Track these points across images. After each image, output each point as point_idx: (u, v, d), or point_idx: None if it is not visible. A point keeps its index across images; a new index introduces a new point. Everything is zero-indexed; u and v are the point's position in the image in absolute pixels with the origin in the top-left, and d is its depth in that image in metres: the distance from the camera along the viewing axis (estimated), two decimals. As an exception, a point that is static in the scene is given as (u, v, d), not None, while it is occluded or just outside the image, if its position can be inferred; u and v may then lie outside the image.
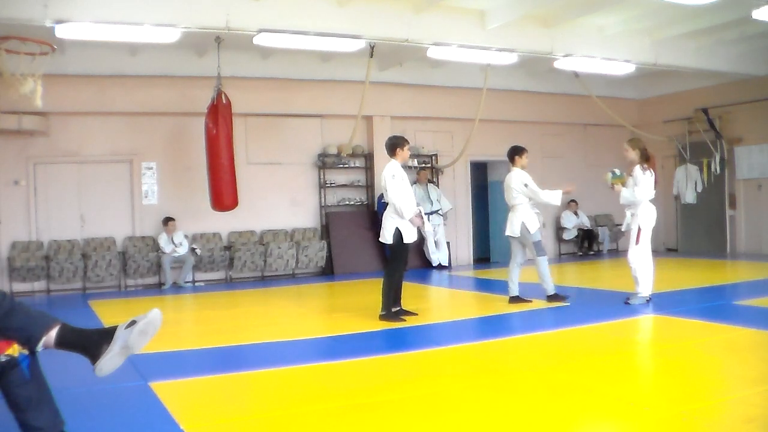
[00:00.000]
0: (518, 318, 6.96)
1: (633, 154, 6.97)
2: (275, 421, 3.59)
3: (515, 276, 7.48)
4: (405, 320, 6.52)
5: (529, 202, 7.39)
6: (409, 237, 6.61)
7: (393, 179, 6.53)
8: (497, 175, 13.92)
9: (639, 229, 6.92)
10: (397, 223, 6.55)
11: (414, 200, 6.76)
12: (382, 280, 6.70)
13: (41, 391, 2.75)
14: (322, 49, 9.97)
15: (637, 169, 6.90)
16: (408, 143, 6.84)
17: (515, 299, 7.43)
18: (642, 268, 6.95)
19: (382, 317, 6.54)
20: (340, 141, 11.63)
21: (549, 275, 7.36)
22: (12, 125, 9.49)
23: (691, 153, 13.31)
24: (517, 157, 7.54)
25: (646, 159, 6.93)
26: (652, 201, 7.04)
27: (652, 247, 7.16)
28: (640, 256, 6.93)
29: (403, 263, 6.72)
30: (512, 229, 7.37)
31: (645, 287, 6.98)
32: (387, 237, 6.61)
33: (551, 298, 7.34)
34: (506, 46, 9.81)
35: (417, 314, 6.76)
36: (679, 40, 10.94)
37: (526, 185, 7.32)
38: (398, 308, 6.71)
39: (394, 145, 6.71)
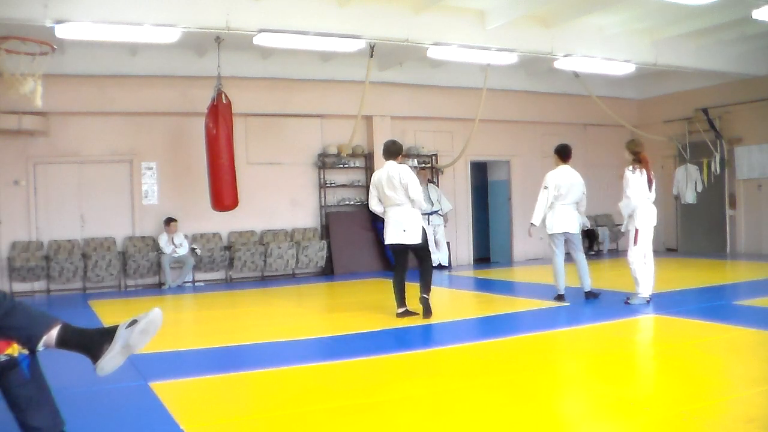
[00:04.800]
0: (518, 318, 6.97)
1: (627, 156, 7.03)
2: (275, 421, 3.59)
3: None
4: (419, 313, 6.71)
5: None
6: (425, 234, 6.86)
7: (412, 174, 6.70)
8: (497, 175, 13.95)
9: (636, 230, 6.95)
10: (421, 222, 6.78)
11: None
12: (423, 270, 6.76)
13: (41, 391, 2.75)
14: (322, 49, 9.97)
15: (626, 171, 6.95)
16: None
17: (590, 294, 7.46)
18: (641, 269, 6.95)
19: (401, 314, 6.69)
20: (340, 141, 11.63)
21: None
22: (12, 125, 9.49)
23: (691, 153, 13.31)
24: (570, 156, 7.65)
25: (637, 161, 6.95)
26: (653, 202, 7.07)
27: (652, 247, 7.16)
28: (639, 256, 6.94)
29: (431, 257, 7.02)
30: (575, 225, 7.45)
31: (645, 287, 6.98)
32: (415, 237, 6.67)
33: (589, 294, 7.43)
34: (506, 46, 9.82)
35: (417, 314, 6.76)
36: (679, 40, 10.94)
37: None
38: (404, 309, 6.76)
39: (400, 150, 6.97)
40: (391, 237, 6.75)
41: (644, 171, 6.92)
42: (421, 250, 6.82)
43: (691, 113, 13.26)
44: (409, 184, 6.61)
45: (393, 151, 6.87)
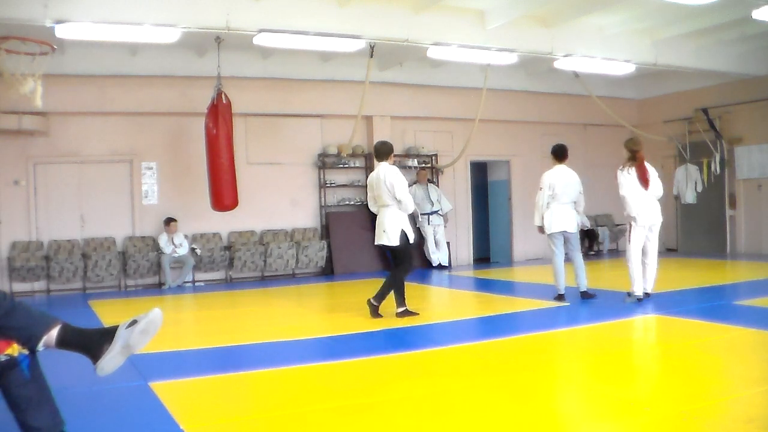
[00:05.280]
0: (518, 318, 6.97)
1: (624, 153, 7.09)
2: (275, 421, 3.59)
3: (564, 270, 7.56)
4: (418, 313, 6.72)
5: None
6: (412, 236, 6.80)
7: (398, 176, 6.70)
8: (497, 175, 13.95)
9: (630, 227, 7.05)
10: (401, 224, 6.69)
11: None
12: (387, 280, 6.78)
13: (41, 391, 2.75)
14: (322, 49, 9.97)
15: (618, 171, 7.04)
16: None
17: (586, 294, 7.44)
18: (635, 267, 7.01)
19: (400, 314, 6.67)
20: (340, 141, 11.63)
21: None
22: (12, 125, 9.49)
23: (691, 153, 13.31)
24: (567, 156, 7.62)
25: (633, 159, 6.99)
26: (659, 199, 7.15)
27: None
28: (635, 253, 7.02)
29: (412, 262, 6.90)
30: (572, 224, 7.42)
31: (638, 286, 7.05)
32: (393, 239, 6.68)
33: (585, 294, 7.42)
34: (506, 46, 9.82)
35: (418, 314, 6.77)
36: (679, 40, 10.94)
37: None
38: (404, 308, 6.77)
39: (390, 150, 6.93)
40: (376, 238, 6.89)
41: (633, 169, 6.95)
42: (399, 254, 6.82)
43: (691, 113, 13.26)
44: (395, 185, 6.65)
45: (383, 151, 6.92)
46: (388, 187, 6.67)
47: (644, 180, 6.97)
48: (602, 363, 4.81)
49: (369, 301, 6.77)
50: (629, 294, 7.09)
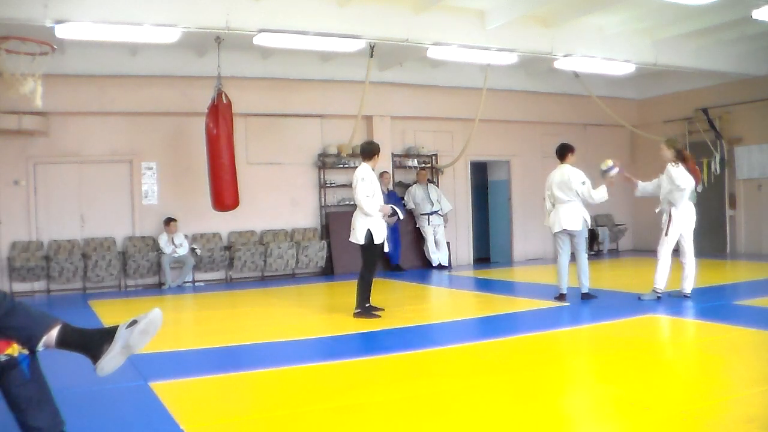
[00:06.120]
0: (519, 318, 6.98)
1: (668, 153, 7.09)
2: (275, 421, 3.59)
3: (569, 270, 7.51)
4: (380, 316, 6.72)
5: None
6: (379, 237, 6.79)
7: (363, 182, 6.75)
8: (497, 175, 13.95)
9: (670, 219, 7.03)
10: (368, 224, 6.74)
11: (380, 201, 6.93)
12: (357, 280, 6.87)
13: (41, 391, 2.75)
14: (322, 49, 9.97)
15: (670, 167, 7.03)
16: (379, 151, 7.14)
17: (586, 296, 7.44)
18: (664, 261, 7.09)
19: (357, 315, 6.74)
20: (340, 141, 11.64)
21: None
22: (12, 125, 9.49)
23: (691, 153, 13.22)
24: (569, 155, 7.60)
25: (682, 159, 7.05)
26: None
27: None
28: (668, 248, 7.09)
29: (375, 263, 6.91)
30: (574, 223, 7.36)
31: (659, 281, 7.11)
32: (358, 238, 6.79)
33: (585, 296, 7.41)
34: (506, 46, 9.82)
35: (380, 317, 6.76)
36: (679, 40, 10.94)
37: (583, 183, 7.39)
38: (361, 309, 6.87)
39: (373, 151, 6.97)
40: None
41: (690, 167, 7.04)
42: (364, 253, 6.87)
43: (691, 113, 13.27)
44: (355, 188, 6.76)
45: (365, 152, 7.00)
46: (354, 188, 6.80)
47: (699, 178, 7.06)
48: (602, 363, 4.81)
49: (354, 314, 6.80)
50: (650, 292, 7.13)
